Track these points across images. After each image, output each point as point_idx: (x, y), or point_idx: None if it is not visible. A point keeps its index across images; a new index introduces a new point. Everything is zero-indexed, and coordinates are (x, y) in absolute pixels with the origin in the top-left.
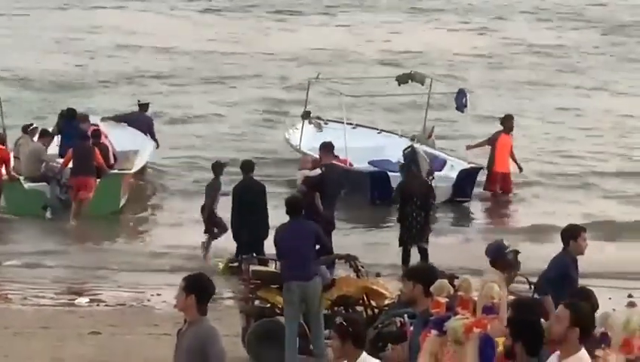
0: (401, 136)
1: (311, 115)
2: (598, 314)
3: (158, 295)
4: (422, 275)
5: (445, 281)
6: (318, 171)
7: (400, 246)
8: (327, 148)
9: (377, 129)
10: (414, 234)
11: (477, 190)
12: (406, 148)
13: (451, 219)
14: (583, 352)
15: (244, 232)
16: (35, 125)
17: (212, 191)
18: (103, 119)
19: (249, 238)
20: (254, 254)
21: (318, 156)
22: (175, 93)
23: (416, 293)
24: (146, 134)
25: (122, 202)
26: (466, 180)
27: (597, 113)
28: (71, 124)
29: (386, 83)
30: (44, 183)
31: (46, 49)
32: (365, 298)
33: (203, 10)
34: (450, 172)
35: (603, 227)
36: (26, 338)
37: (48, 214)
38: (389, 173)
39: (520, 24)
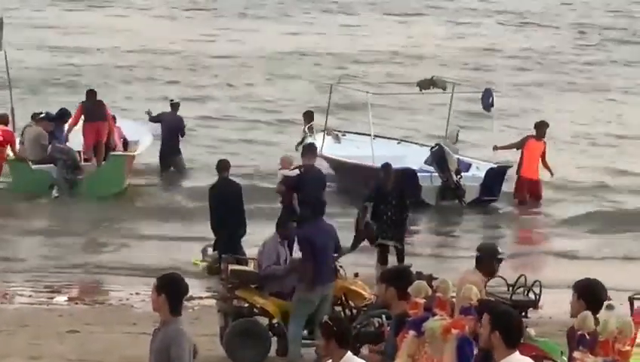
0: (422, 145)
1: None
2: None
3: (137, 294)
4: (394, 278)
5: (423, 282)
6: (296, 172)
7: (372, 245)
8: (309, 150)
9: (397, 139)
10: (388, 233)
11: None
12: (433, 147)
13: (477, 220)
14: (513, 356)
15: (223, 233)
16: (43, 114)
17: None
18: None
19: (229, 238)
20: (232, 254)
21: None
22: (202, 97)
23: (388, 296)
24: (177, 134)
25: (125, 183)
26: (494, 179)
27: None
28: (60, 128)
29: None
30: (51, 165)
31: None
32: (344, 298)
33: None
34: (478, 172)
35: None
36: (4, 336)
37: (55, 193)
38: (417, 171)
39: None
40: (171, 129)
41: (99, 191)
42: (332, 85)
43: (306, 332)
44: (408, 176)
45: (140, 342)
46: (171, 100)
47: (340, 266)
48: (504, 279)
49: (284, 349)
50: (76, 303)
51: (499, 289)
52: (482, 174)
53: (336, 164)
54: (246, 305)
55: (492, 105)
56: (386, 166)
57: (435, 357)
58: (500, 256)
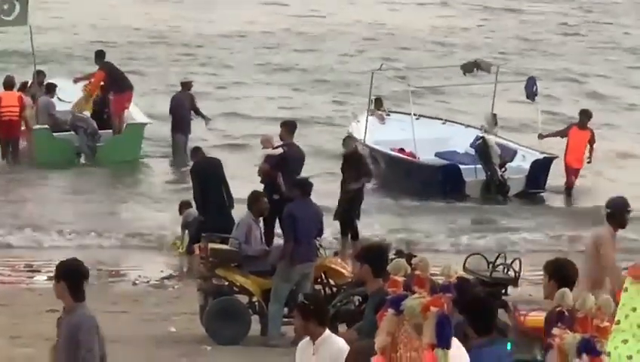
0: (467, 126)
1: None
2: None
3: (118, 273)
4: (369, 256)
5: (402, 260)
6: (279, 150)
7: (338, 219)
8: (287, 126)
9: (441, 119)
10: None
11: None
12: (477, 140)
13: (524, 211)
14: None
15: (212, 208)
16: (53, 83)
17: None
18: None
19: (218, 213)
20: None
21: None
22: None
23: (363, 274)
24: (189, 112)
25: (141, 152)
26: (539, 171)
27: None
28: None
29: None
30: (72, 132)
31: None
32: (323, 276)
33: None
34: (523, 163)
35: None
36: None
37: (82, 160)
38: (460, 166)
39: None
40: (180, 108)
41: (116, 159)
42: (373, 72)
43: (286, 310)
44: (452, 172)
45: (120, 322)
46: (183, 79)
47: (321, 245)
48: (484, 257)
49: (266, 327)
50: None
51: (479, 268)
52: (527, 166)
53: (378, 155)
54: (226, 283)
55: (536, 93)
56: None
57: (415, 335)
58: (629, 209)
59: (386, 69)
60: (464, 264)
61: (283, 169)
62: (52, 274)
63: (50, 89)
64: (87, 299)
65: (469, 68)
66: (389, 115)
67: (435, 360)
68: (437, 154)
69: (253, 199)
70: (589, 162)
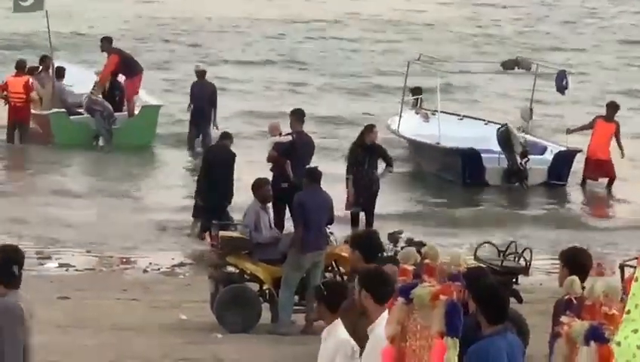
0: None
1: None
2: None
3: (129, 260)
4: (359, 242)
5: (412, 249)
6: (289, 138)
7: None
8: (296, 115)
9: (484, 120)
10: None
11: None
12: (500, 128)
13: (544, 203)
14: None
15: (212, 196)
16: (62, 67)
17: None
18: None
19: (218, 203)
20: (217, 220)
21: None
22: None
23: (355, 260)
24: (207, 102)
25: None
26: (562, 163)
27: None
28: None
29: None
30: (88, 115)
31: None
32: (334, 264)
33: None
34: (547, 155)
35: None
36: None
37: (101, 142)
38: (481, 153)
39: None
40: (200, 98)
41: (132, 141)
42: (409, 62)
43: (296, 298)
44: (471, 157)
45: (130, 308)
46: (196, 67)
47: (331, 233)
48: (495, 246)
49: (276, 315)
50: (67, 270)
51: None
52: (550, 157)
53: (411, 144)
54: (236, 271)
55: (566, 87)
56: None
57: (424, 323)
58: None
59: (423, 61)
60: (475, 252)
61: (292, 157)
62: (63, 261)
63: (60, 73)
64: (98, 286)
65: (510, 65)
66: (434, 113)
67: (444, 348)
68: None
69: (257, 185)
70: (622, 156)
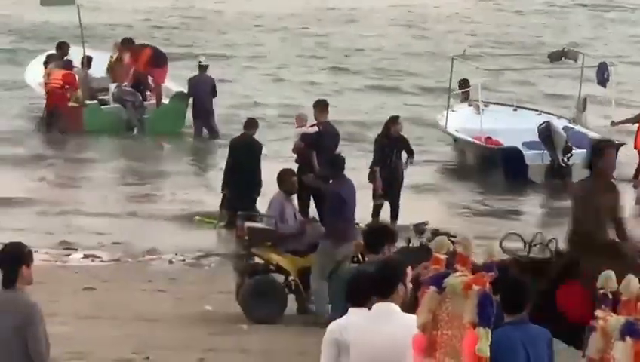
0: (560, 117)
1: (469, 86)
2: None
3: (155, 251)
4: (366, 232)
5: (445, 238)
6: (315, 128)
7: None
8: (320, 106)
9: (538, 110)
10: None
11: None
12: (541, 124)
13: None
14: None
15: (234, 187)
16: (90, 55)
17: None
18: None
19: (239, 194)
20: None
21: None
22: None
23: (359, 249)
24: (208, 95)
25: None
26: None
27: None
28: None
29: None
30: (119, 105)
31: None
32: (360, 256)
33: None
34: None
35: None
36: None
37: (135, 132)
38: (522, 150)
39: None
40: (201, 91)
41: (162, 130)
42: (453, 58)
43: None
44: (513, 155)
45: (155, 299)
46: (199, 62)
47: (357, 224)
48: (520, 236)
49: (303, 306)
50: (92, 260)
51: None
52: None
53: (458, 142)
54: (262, 262)
55: (607, 79)
56: None
57: (456, 313)
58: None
59: (468, 56)
60: (500, 243)
61: (318, 148)
62: (88, 252)
63: (87, 62)
64: (123, 277)
65: (557, 56)
66: (486, 105)
67: (476, 338)
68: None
69: (282, 177)
70: None
